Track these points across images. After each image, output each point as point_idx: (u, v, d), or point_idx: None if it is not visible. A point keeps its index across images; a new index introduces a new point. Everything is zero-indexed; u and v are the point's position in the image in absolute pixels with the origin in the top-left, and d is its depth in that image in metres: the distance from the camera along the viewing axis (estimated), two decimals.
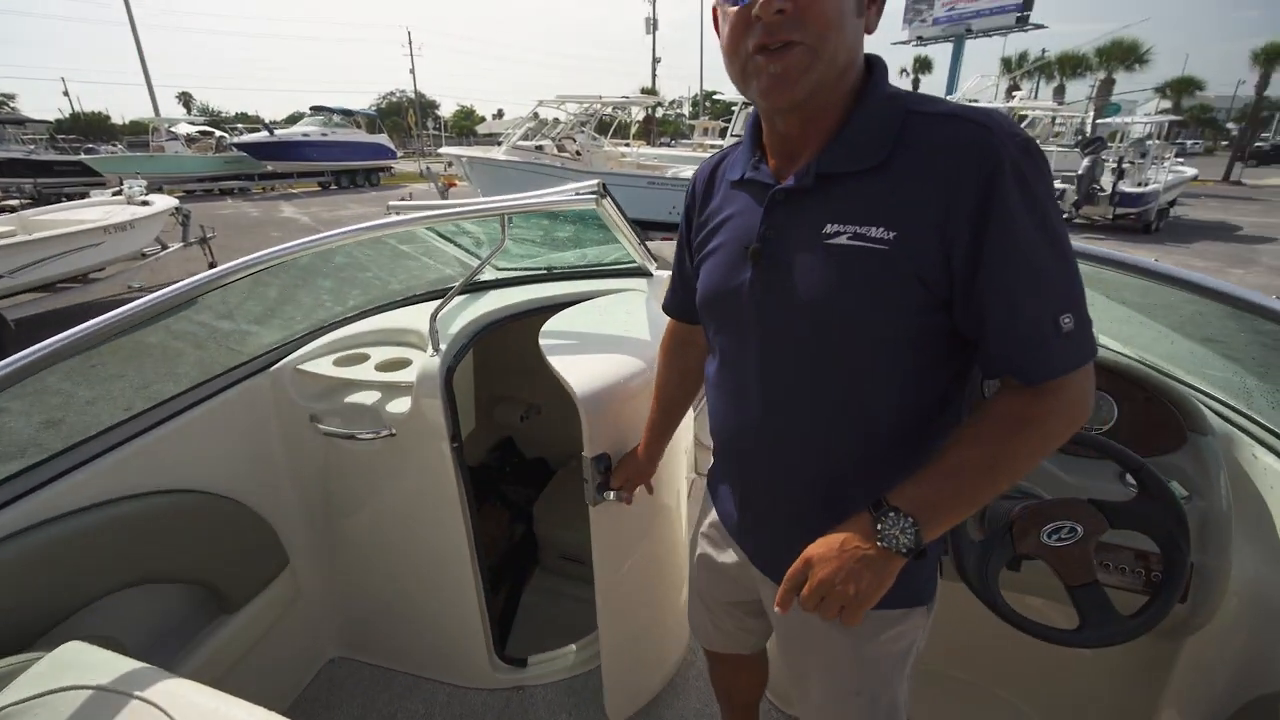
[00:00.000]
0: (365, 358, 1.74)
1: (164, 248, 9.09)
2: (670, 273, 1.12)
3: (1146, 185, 12.80)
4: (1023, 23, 31.30)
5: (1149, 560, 1.24)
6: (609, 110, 15.55)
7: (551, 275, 2.20)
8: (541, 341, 1.46)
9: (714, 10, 0.79)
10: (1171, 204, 14.47)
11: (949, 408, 0.84)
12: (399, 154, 28.56)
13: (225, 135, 26.35)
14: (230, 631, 1.50)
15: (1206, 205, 17.87)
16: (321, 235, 1.50)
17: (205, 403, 1.51)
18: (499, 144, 17.02)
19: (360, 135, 26.53)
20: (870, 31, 0.77)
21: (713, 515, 1.14)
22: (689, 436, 1.90)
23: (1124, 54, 25.24)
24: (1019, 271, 0.68)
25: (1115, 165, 12.90)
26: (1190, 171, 15.85)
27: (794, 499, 0.90)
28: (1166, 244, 11.93)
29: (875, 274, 0.72)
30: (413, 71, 47.56)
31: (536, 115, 17.30)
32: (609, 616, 1.47)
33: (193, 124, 28.80)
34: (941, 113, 0.72)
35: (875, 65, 0.79)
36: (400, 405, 1.59)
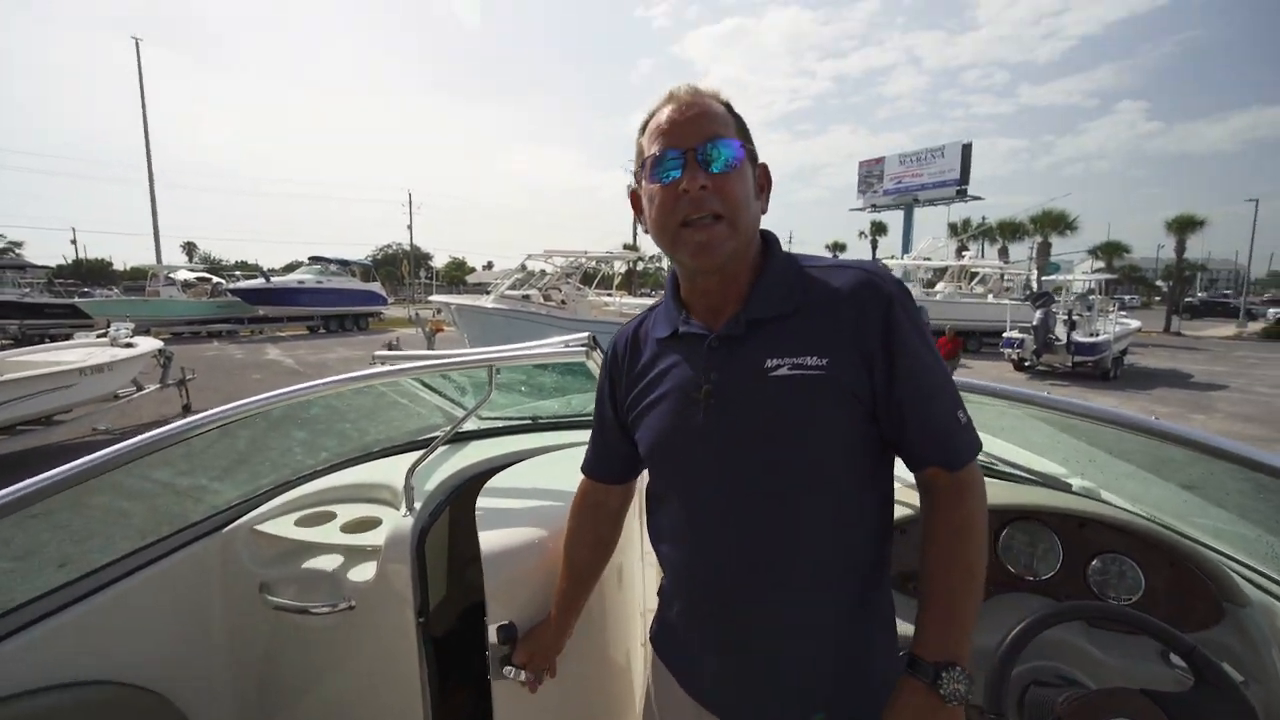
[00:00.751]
0: (331, 516, 1.60)
1: (140, 389, 8.94)
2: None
3: (1098, 335, 13.67)
4: (962, 195, 35.65)
5: None
6: (593, 263, 16.63)
7: (536, 425, 2.14)
8: (480, 500, 1.35)
9: (633, 193, 0.95)
10: (1124, 352, 15.37)
11: (886, 507, 0.92)
12: (390, 300, 29.69)
13: (222, 281, 27.36)
14: None
15: (1156, 354, 19.02)
16: (302, 386, 1.45)
17: (139, 573, 1.34)
18: (488, 293, 17.87)
19: (353, 283, 27.75)
20: (764, 213, 0.93)
21: (671, 686, 1.01)
22: (639, 600, 1.71)
23: (1054, 222, 28.40)
24: (922, 381, 0.84)
25: (1066, 317, 13.87)
26: (1135, 323, 17.09)
27: (782, 628, 0.88)
28: (1128, 390, 12.46)
29: (817, 393, 0.83)
30: (410, 227, 51.04)
31: (524, 267, 18.39)
32: None
33: (192, 271, 30.00)
34: (830, 264, 0.91)
35: (769, 236, 0.95)
36: (364, 572, 1.43)
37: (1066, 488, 1.60)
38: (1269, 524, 1.39)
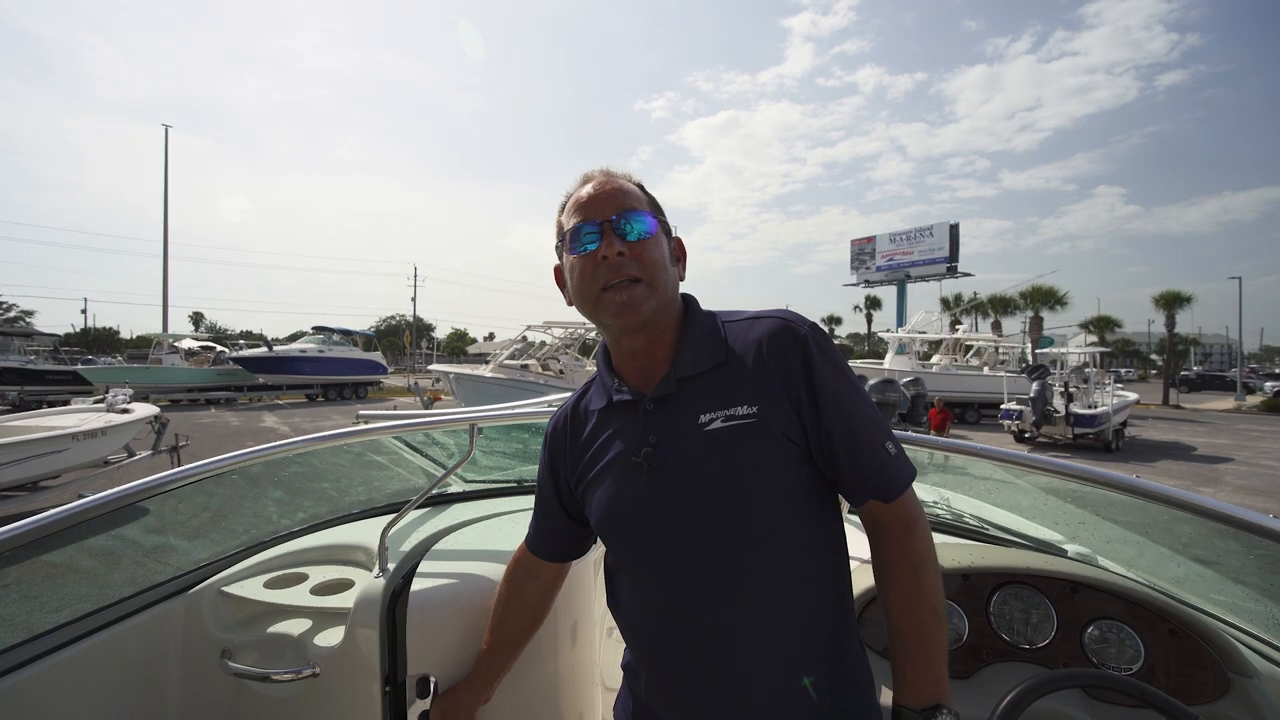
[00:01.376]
0: (303, 578, 1.55)
1: (131, 455, 8.84)
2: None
3: (1096, 407, 13.65)
4: (952, 271, 36.69)
5: None
6: (591, 334, 16.85)
7: (521, 488, 2.11)
8: (424, 560, 1.36)
9: (556, 269, 0.99)
10: (1124, 425, 15.29)
11: (840, 550, 0.92)
12: (391, 370, 29.85)
13: (225, 350, 27.62)
14: None
15: (1156, 426, 18.90)
16: (283, 442, 1.44)
17: (95, 635, 1.28)
18: (488, 363, 18.00)
19: (355, 352, 28.03)
20: (681, 279, 0.98)
21: None
22: (596, 669, 1.65)
23: (1044, 297, 29.10)
24: (847, 419, 0.86)
25: (1063, 389, 13.91)
26: (1132, 396, 17.10)
27: (752, 689, 0.86)
28: (1130, 463, 12.29)
29: (752, 440, 0.85)
30: (414, 300, 52.24)
31: (524, 338, 18.63)
32: None
33: (196, 339, 30.36)
34: (748, 316, 0.95)
35: (688, 298, 0.99)
36: (332, 636, 1.36)
37: (1061, 553, 1.56)
38: (1265, 588, 1.35)
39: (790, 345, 0.88)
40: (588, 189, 0.93)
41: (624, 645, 1.00)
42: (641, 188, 0.97)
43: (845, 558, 0.93)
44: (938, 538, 1.60)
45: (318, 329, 29.14)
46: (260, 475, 2.07)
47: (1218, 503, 1.04)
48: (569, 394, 1.15)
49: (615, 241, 0.88)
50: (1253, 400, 28.98)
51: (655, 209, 0.96)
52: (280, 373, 25.26)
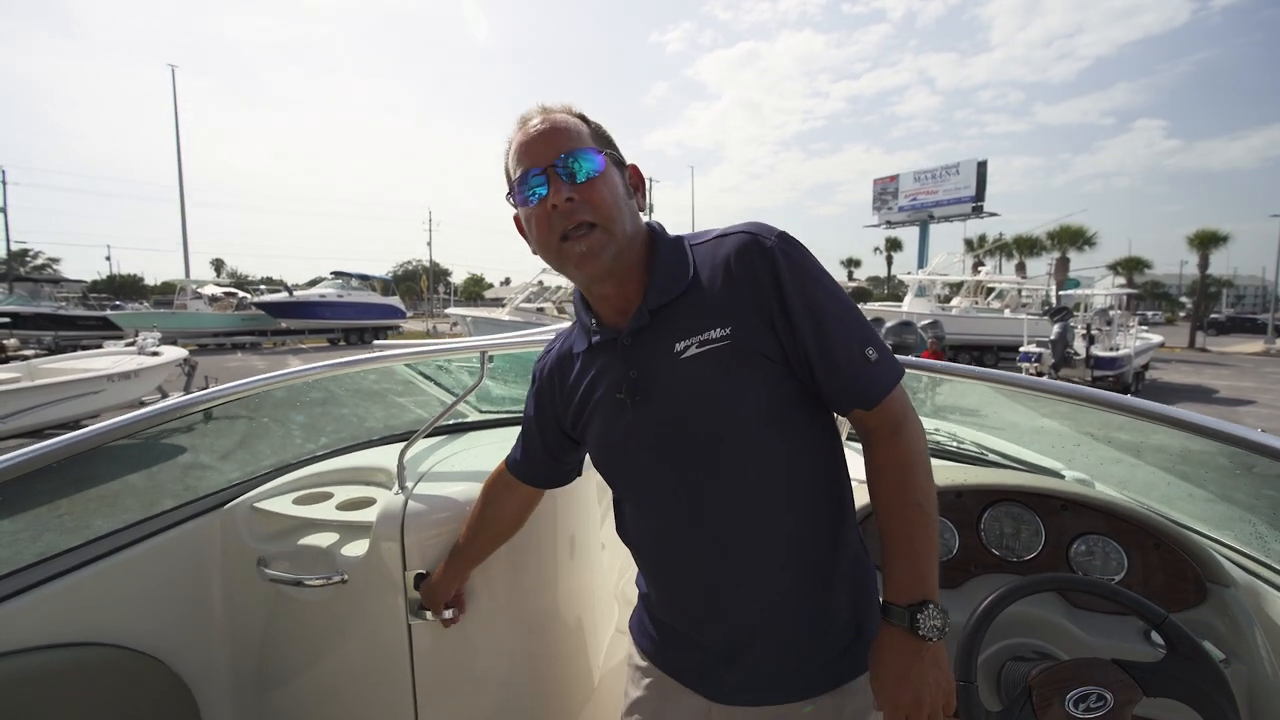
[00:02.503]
0: (328, 496, 1.65)
1: (164, 396, 9.20)
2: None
3: (1117, 350, 13.41)
4: (978, 211, 35.40)
5: None
6: None
7: None
8: (424, 462, 1.50)
9: (516, 220, 0.96)
10: (1145, 367, 15.05)
11: (835, 459, 0.95)
12: (409, 314, 30.16)
13: (247, 295, 28.04)
14: None
15: (1179, 369, 18.58)
16: (301, 368, 1.50)
17: (143, 543, 1.40)
18: (504, 306, 18.10)
19: (373, 297, 28.28)
20: (643, 210, 0.96)
21: (651, 673, 1.05)
22: (606, 585, 1.80)
23: (1072, 237, 28.15)
24: (820, 326, 0.85)
25: (1085, 332, 13.65)
26: (1156, 339, 16.74)
27: (751, 604, 0.91)
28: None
29: (729, 361, 0.85)
30: (429, 244, 52.07)
31: (541, 282, 18.60)
32: None
33: (219, 285, 30.80)
34: (714, 235, 0.93)
35: (654, 226, 0.97)
36: (358, 548, 1.47)
37: (1059, 477, 1.60)
38: (1251, 505, 1.38)
39: (758, 259, 0.86)
40: (525, 132, 0.89)
41: (625, 557, 1.09)
42: (583, 118, 0.93)
43: (842, 466, 0.95)
44: (936, 463, 1.66)
45: (336, 274, 29.36)
46: (283, 401, 2.17)
47: (1203, 417, 1.05)
48: (560, 328, 1.18)
49: (563, 187, 0.85)
50: None
51: (601, 141, 0.92)
52: (301, 317, 25.68)
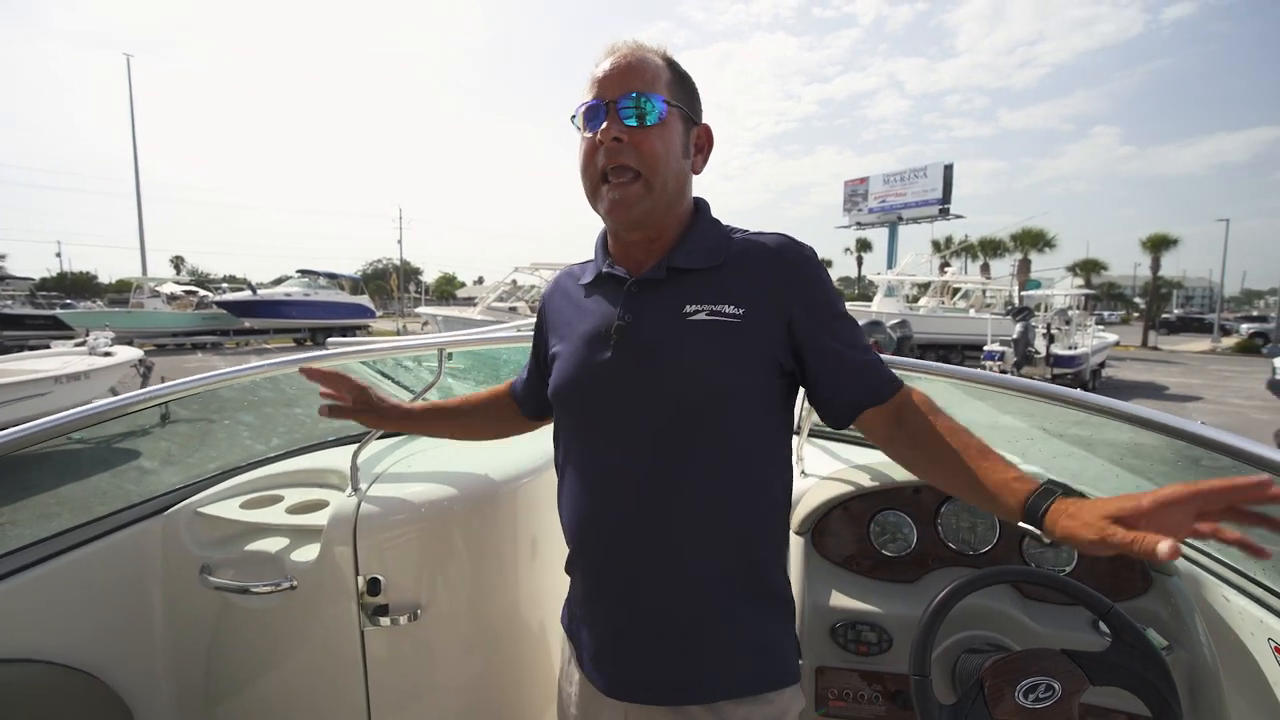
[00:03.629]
0: (278, 500, 1.59)
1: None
2: None
3: (1075, 348, 13.90)
4: (944, 214, 36.28)
5: None
6: None
7: None
8: (380, 463, 1.46)
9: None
10: (1102, 365, 15.61)
11: (785, 473, 0.95)
12: (379, 314, 29.59)
13: (208, 294, 27.14)
14: None
15: (1133, 367, 19.32)
16: (248, 366, 1.44)
17: (75, 551, 1.32)
18: (475, 305, 17.87)
19: (342, 296, 27.65)
20: (697, 172, 0.95)
21: (571, 667, 1.00)
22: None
23: (1034, 239, 29.06)
24: (840, 334, 0.89)
25: (1045, 331, 14.10)
26: (1112, 337, 17.40)
27: (687, 577, 0.88)
28: None
29: (730, 340, 0.85)
30: (400, 242, 51.18)
31: (514, 281, 18.43)
32: None
33: (179, 283, 29.74)
34: (754, 232, 0.95)
35: (700, 202, 0.98)
36: (308, 553, 1.41)
37: None
38: None
39: (799, 260, 0.89)
40: (606, 62, 0.87)
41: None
42: (671, 64, 0.90)
43: (790, 480, 0.95)
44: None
45: (303, 272, 28.61)
46: (231, 401, 2.09)
47: (1150, 410, 1.08)
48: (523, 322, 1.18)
49: (614, 125, 0.84)
50: (1228, 342, 29.54)
51: (676, 91, 0.89)
52: (266, 316, 24.95)
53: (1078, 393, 1.24)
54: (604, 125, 0.85)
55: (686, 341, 0.86)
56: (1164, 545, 0.61)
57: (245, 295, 25.75)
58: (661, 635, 0.88)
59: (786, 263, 0.89)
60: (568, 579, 1.00)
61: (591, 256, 1.03)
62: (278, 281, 31.84)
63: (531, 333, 1.52)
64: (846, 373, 0.88)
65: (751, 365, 0.86)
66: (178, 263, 73.01)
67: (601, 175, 0.87)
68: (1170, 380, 16.23)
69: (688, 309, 0.87)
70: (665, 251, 0.92)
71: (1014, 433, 1.82)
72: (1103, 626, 1.15)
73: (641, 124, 0.85)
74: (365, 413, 1.16)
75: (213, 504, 1.54)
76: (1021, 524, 0.76)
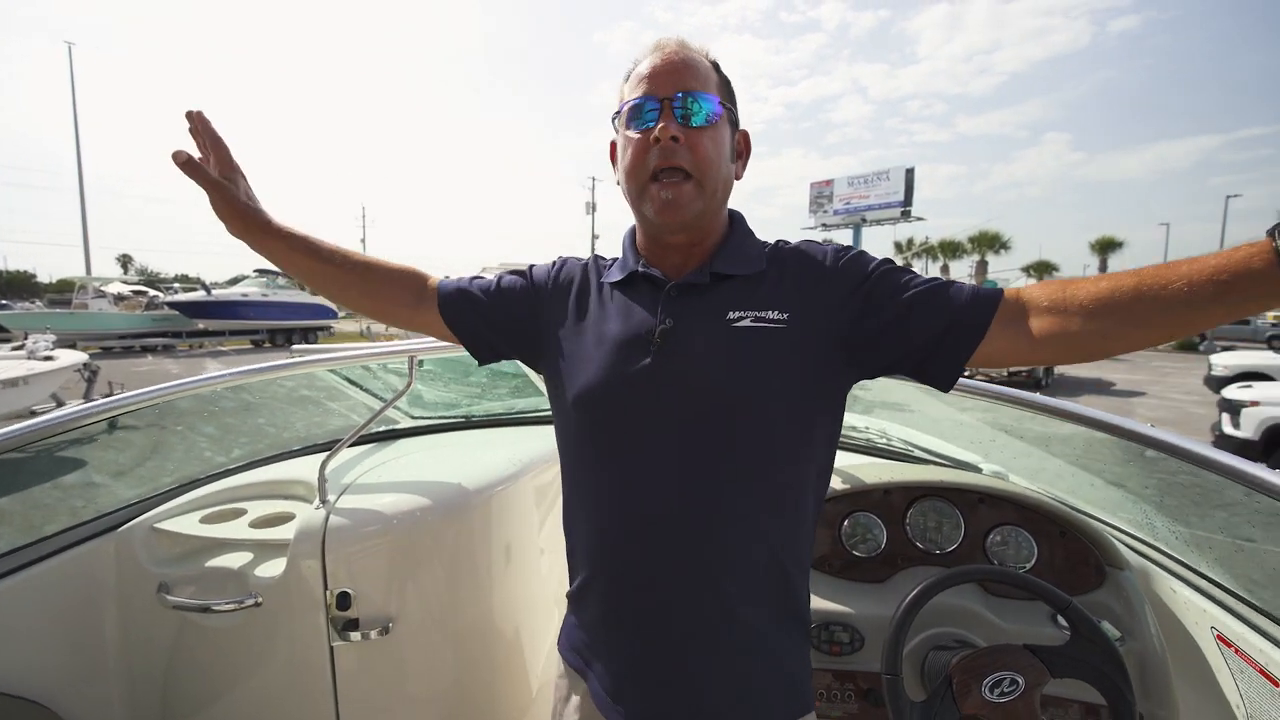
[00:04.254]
0: (240, 514, 1.53)
1: (60, 405, 8.40)
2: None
3: None
4: (906, 216, 37.26)
5: (1099, 714, 1.14)
6: None
7: (470, 423, 2.11)
8: (346, 474, 1.46)
9: (613, 145, 0.92)
10: None
11: (822, 474, 0.89)
12: (341, 314, 28.82)
13: (159, 294, 26.01)
14: None
15: (1083, 365, 20.15)
16: (210, 375, 1.39)
17: (20, 573, 1.25)
18: None
19: (301, 295, 26.82)
20: (739, 178, 0.92)
21: (579, 696, 0.92)
22: (546, 592, 1.75)
23: (990, 241, 30.10)
24: (923, 294, 0.80)
25: None
26: None
27: (721, 600, 0.81)
28: (1058, 397, 13.07)
29: (776, 347, 0.82)
30: (363, 241, 50.03)
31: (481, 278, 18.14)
32: None
33: (126, 283, 28.43)
34: (796, 241, 0.93)
35: (735, 214, 0.95)
36: (274, 568, 1.37)
37: (977, 471, 1.69)
38: (1141, 492, 1.50)
39: (851, 253, 0.86)
40: (655, 60, 0.85)
41: (566, 569, 0.96)
42: (716, 67, 0.88)
43: (824, 495, 0.90)
44: (866, 459, 1.72)
45: (260, 271, 27.67)
46: (190, 411, 2.01)
47: (1103, 413, 1.13)
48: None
49: (672, 124, 0.82)
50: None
51: (725, 93, 0.88)
52: (221, 317, 24.06)
53: (1030, 395, 1.30)
54: (660, 123, 0.82)
55: (734, 348, 0.82)
56: None
57: (199, 295, 24.79)
58: (690, 664, 0.82)
59: (830, 259, 0.86)
60: (543, 585, 0.97)
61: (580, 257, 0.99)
62: (234, 281, 30.72)
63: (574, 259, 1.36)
64: (942, 304, 0.79)
65: (798, 372, 0.82)
66: (125, 261, 69.87)
67: (652, 175, 0.83)
68: (1117, 377, 16.99)
69: (732, 315, 0.84)
70: (706, 257, 0.89)
71: (976, 430, 1.88)
72: (1062, 620, 1.20)
73: (698, 125, 0.83)
74: (217, 188, 0.93)
75: (170, 519, 1.48)
76: None
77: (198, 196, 0.96)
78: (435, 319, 1.00)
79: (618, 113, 0.88)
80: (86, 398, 8.76)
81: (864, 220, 38.73)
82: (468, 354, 1.02)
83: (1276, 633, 1.07)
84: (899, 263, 0.88)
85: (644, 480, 0.83)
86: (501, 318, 0.98)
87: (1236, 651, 1.10)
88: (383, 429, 2.02)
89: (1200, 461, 1.01)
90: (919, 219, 37.94)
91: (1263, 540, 1.52)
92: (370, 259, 1.02)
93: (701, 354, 0.82)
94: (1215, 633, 1.15)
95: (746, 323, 0.83)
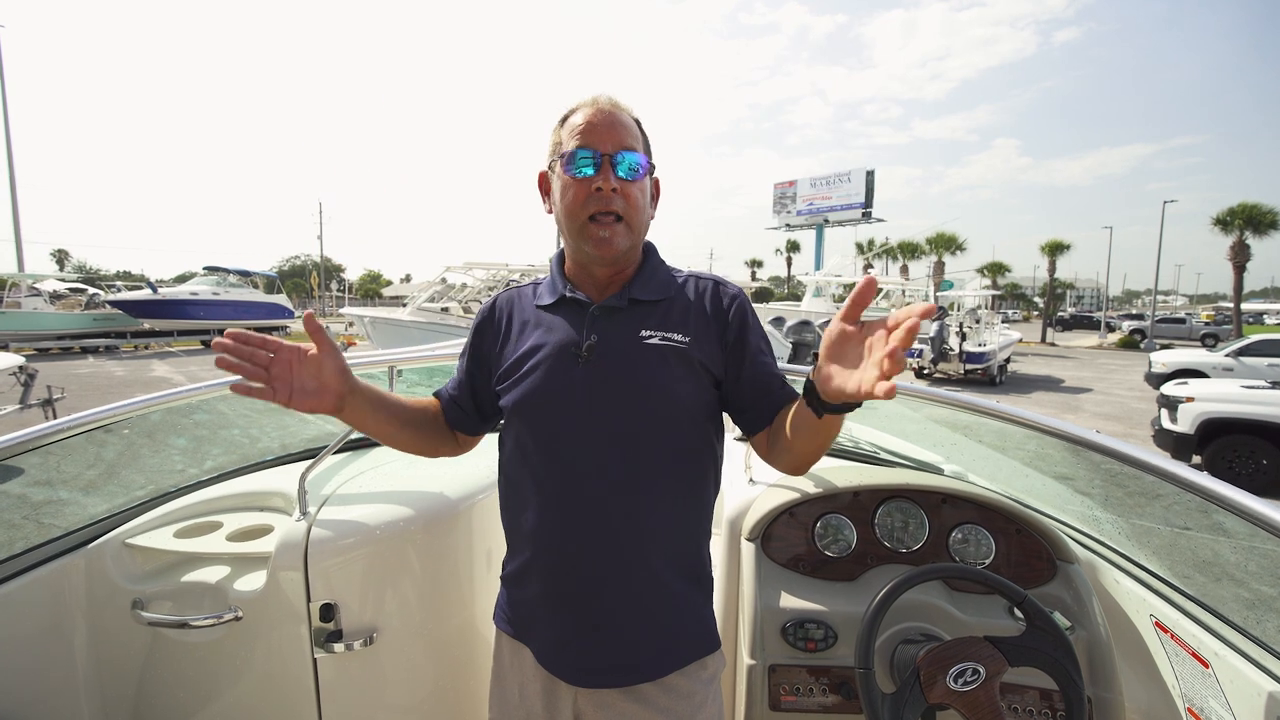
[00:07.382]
0: (216, 526, 1.51)
1: None
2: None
3: (985, 346, 15.02)
4: (867, 217, 38.23)
5: (1053, 699, 1.23)
6: (516, 276, 16.38)
7: None
8: (327, 484, 1.46)
9: (542, 175, 1.07)
10: (1008, 360, 16.93)
11: (717, 470, 1.09)
12: (297, 314, 27.92)
13: (99, 293, 24.74)
14: None
15: (1034, 362, 21.07)
16: (177, 390, 1.37)
17: None
18: (405, 306, 17.20)
19: (256, 295, 25.93)
20: (652, 218, 1.09)
21: (519, 659, 1.07)
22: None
23: (946, 243, 31.10)
24: (764, 362, 1.05)
25: (958, 329, 15.14)
26: (1016, 335, 18.91)
27: (648, 569, 0.98)
28: (1011, 393, 13.72)
29: (679, 362, 1.00)
30: (320, 237, 48.54)
31: (444, 280, 17.86)
32: None
33: (63, 280, 26.93)
34: (693, 272, 1.12)
35: (649, 245, 1.12)
36: (253, 581, 1.36)
37: (939, 472, 1.78)
38: (1087, 490, 1.61)
39: (730, 302, 1.07)
40: (592, 114, 0.99)
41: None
42: (639, 124, 1.05)
43: (719, 482, 1.11)
44: (837, 462, 1.79)
45: (210, 269, 26.61)
46: (160, 424, 1.95)
47: (1053, 420, 1.22)
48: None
49: (611, 178, 0.97)
50: (1113, 338, 32.75)
51: (647, 147, 1.05)
52: (169, 317, 23.04)
53: (987, 403, 1.38)
54: (600, 175, 0.97)
55: (643, 359, 0.99)
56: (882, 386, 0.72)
57: (144, 294, 23.68)
58: (624, 625, 0.98)
59: (720, 302, 1.07)
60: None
61: (539, 278, 1.15)
62: (182, 279, 29.43)
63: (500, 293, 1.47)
64: (764, 391, 1.04)
65: (695, 383, 1.01)
66: (61, 257, 66.17)
67: (591, 216, 0.98)
68: (1066, 374, 17.82)
69: (644, 333, 1.01)
70: (624, 284, 1.06)
71: (938, 430, 1.98)
72: (1018, 612, 1.29)
73: (630, 178, 0.99)
74: (337, 382, 1.02)
75: (143, 534, 1.45)
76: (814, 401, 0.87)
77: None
78: (465, 439, 1.21)
79: (559, 156, 1.01)
80: (23, 403, 8.26)
81: (826, 221, 39.54)
82: (446, 362, 1.12)
83: (1205, 618, 1.18)
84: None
85: (577, 474, 0.98)
86: (484, 381, 1.12)
87: (1172, 636, 1.20)
88: (359, 438, 2.00)
89: (1129, 461, 1.11)
90: (879, 220, 38.97)
91: (1197, 527, 1.65)
92: (406, 413, 1.12)
93: (622, 366, 0.99)
94: (1154, 620, 1.26)
95: (655, 340, 1.01)
